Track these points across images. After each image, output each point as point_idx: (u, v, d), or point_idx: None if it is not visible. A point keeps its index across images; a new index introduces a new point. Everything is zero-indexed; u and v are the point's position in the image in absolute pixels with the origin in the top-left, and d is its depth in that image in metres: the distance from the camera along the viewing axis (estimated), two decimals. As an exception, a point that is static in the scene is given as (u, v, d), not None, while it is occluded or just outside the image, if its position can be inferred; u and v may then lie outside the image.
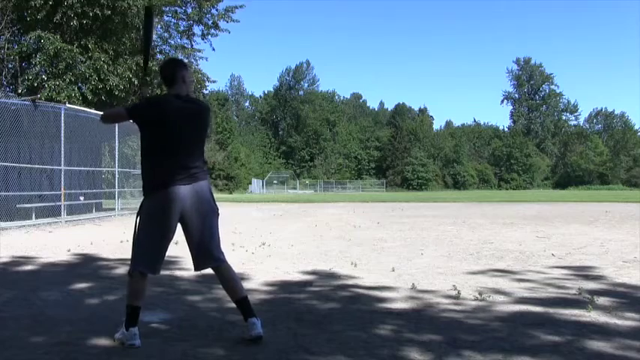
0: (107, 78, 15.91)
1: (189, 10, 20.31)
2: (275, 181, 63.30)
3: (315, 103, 76.97)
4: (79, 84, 16.18)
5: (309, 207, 19.80)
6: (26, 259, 6.10)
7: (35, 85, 15.25)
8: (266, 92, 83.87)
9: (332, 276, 4.96)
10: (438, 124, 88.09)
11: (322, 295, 4.10)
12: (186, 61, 21.01)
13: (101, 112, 13.79)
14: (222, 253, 3.01)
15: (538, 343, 2.82)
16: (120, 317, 3.37)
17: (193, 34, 20.92)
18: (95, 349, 2.78)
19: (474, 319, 3.32)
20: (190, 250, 3.00)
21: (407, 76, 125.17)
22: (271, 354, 2.66)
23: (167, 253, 6.74)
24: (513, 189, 69.21)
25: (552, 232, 9.08)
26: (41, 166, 12.43)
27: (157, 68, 18.50)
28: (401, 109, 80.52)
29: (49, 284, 4.57)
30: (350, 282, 4.64)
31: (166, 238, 2.92)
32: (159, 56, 20.24)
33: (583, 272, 5.05)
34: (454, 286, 4.26)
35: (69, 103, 13.65)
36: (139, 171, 16.31)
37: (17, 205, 11.20)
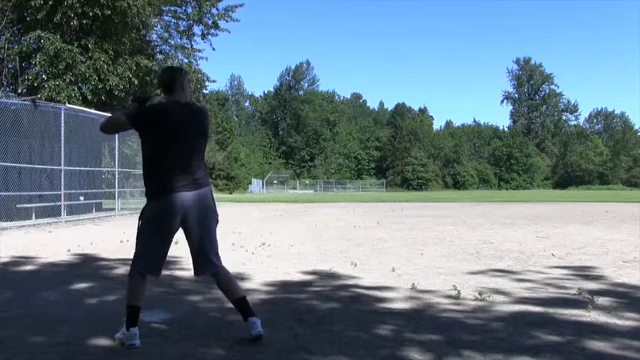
0: (107, 78, 15.91)
1: (190, 10, 20.31)
2: (275, 181, 63.32)
3: (315, 103, 76.98)
4: (79, 84, 16.18)
5: (309, 207, 19.81)
6: (26, 259, 6.09)
7: (35, 85, 15.25)
8: (266, 92, 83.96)
9: (332, 276, 4.96)
10: (438, 124, 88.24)
11: (322, 295, 4.10)
12: (186, 61, 21.04)
13: (101, 113, 13.77)
14: (220, 258, 3.01)
15: (538, 343, 2.82)
16: (120, 317, 3.37)
17: (193, 34, 20.92)
18: (95, 349, 2.78)
19: (474, 319, 3.32)
20: (191, 255, 3.01)
21: (407, 76, 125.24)
22: (271, 354, 2.66)
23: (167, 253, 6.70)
24: (513, 189, 69.23)
25: (552, 232, 9.08)
26: (41, 166, 12.42)
27: (156, 68, 18.61)
28: (401, 109, 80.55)
29: (49, 284, 4.57)
30: (350, 282, 4.64)
31: (168, 242, 2.96)
32: (159, 56, 20.25)
33: (583, 272, 5.05)
34: (454, 286, 4.26)
35: (69, 103, 13.65)
36: (139, 171, 16.27)
37: (17, 205, 11.19)
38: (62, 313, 3.53)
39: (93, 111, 13.76)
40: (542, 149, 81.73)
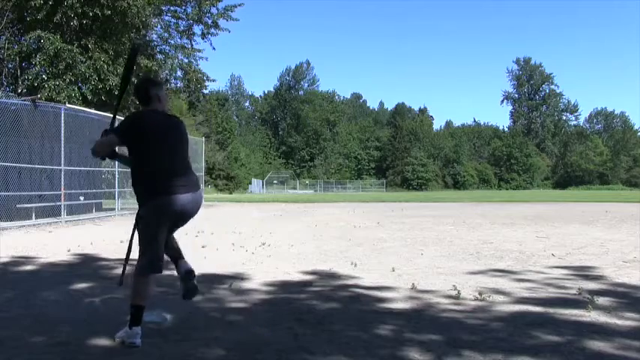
0: (107, 78, 15.91)
1: (189, 10, 20.32)
2: (275, 181, 63.32)
3: (315, 103, 76.98)
4: (79, 84, 16.18)
5: (309, 207, 19.81)
6: (26, 259, 6.09)
7: (35, 85, 15.25)
8: (266, 92, 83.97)
9: (332, 276, 4.96)
10: (438, 124, 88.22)
11: (322, 295, 4.10)
12: (186, 61, 21.04)
13: (101, 113, 13.72)
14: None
15: (538, 343, 2.82)
16: (120, 317, 3.37)
17: (193, 34, 20.93)
18: (95, 349, 2.78)
19: (474, 319, 3.32)
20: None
21: (407, 76, 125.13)
22: (271, 354, 2.66)
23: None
24: (513, 189, 69.22)
25: (552, 232, 9.08)
26: (41, 166, 12.42)
27: (156, 68, 18.57)
28: (401, 109, 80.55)
29: (49, 284, 4.57)
30: (350, 282, 4.64)
31: (165, 240, 3.13)
32: (159, 56, 20.26)
33: (583, 272, 5.05)
34: (454, 286, 4.26)
35: (69, 103, 13.65)
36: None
37: (17, 205, 11.19)
38: (62, 313, 3.53)
39: (93, 111, 13.76)
40: (542, 149, 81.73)
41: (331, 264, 5.63)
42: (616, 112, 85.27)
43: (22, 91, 15.53)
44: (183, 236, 9.15)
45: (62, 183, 11.78)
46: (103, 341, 2.88)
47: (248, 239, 8.02)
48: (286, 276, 4.96)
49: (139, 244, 3.03)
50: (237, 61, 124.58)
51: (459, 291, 4.07)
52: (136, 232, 3.09)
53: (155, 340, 2.91)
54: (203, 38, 21.06)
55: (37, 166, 12.23)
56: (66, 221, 11.57)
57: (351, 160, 75.67)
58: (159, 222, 2.97)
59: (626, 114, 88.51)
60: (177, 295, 4.13)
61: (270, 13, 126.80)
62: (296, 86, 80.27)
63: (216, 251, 6.71)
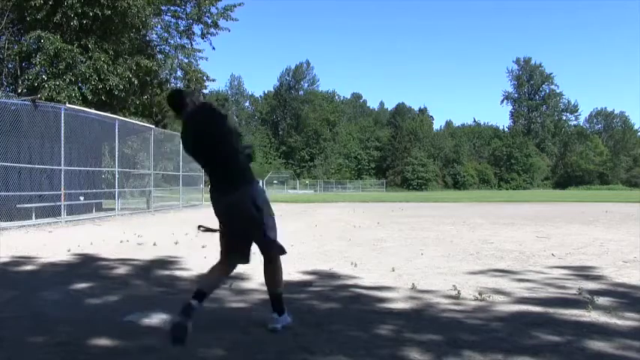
0: (107, 78, 15.92)
1: (189, 10, 20.34)
2: (275, 181, 63.27)
3: (315, 103, 76.94)
4: (79, 84, 16.19)
5: (309, 207, 19.80)
6: (26, 259, 6.09)
7: (35, 85, 15.26)
8: (266, 92, 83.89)
9: (332, 276, 4.96)
10: (438, 124, 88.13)
11: (322, 295, 4.10)
12: (186, 60, 21.05)
13: (101, 113, 13.73)
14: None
15: (538, 343, 2.82)
16: (120, 317, 3.37)
17: (193, 34, 20.96)
18: (95, 349, 2.78)
19: (474, 319, 3.32)
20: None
21: (407, 76, 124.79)
22: (271, 354, 2.66)
23: (167, 253, 6.73)
24: (513, 189, 69.19)
25: (552, 232, 9.08)
26: (41, 166, 12.42)
27: (156, 68, 18.57)
28: (401, 109, 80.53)
29: (49, 284, 4.57)
30: (350, 282, 4.64)
31: (238, 235, 3.20)
32: (159, 56, 20.26)
33: (583, 272, 5.05)
34: (454, 286, 4.26)
35: (69, 103, 13.65)
36: (138, 171, 16.19)
37: (17, 205, 11.19)
38: (62, 313, 3.53)
39: (93, 111, 13.76)
40: (542, 149, 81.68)
41: (331, 264, 5.63)
42: (616, 112, 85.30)
43: (22, 91, 15.54)
44: (183, 236, 9.16)
45: (62, 183, 11.78)
46: (103, 341, 2.88)
47: (248, 239, 8.00)
48: (286, 276, 4.93)
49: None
50: (237, 61, 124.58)
51: (459, 291, 4.07)
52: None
53: (155, 340, 2.91)
54: (203, 38, 21.11)
55: (37, 166, 12.23)
56: (66, 221, 11.57)
57: (351, 160, 75.64)
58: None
59: (626, 114, 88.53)
60: (177, 295, 4.13)
61: (270, 13, 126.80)
62: (296, 86, 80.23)
63: (216, 251, 6.69)
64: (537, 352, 2.65)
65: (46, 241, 8.04)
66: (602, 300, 3.76)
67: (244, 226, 3.03)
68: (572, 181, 72.68)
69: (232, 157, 2.98)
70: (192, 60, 21.25)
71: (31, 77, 15.31)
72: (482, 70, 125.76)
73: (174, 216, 14.61)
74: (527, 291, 4.19)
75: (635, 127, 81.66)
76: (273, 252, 3.13)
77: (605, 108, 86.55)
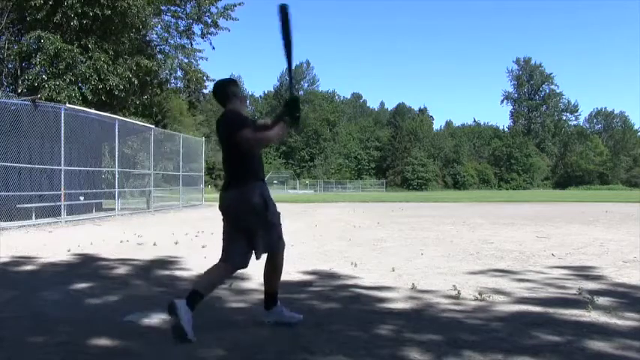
0: (107, 78, 15.92)
1: (189, 9, 20.33)
2: (275, 181, 63.25)
3: (315, 103, 76.94)
4: (79, 84, 16.19)
5: (309, 207, 19.80)
6: (26, 259, 6.10)
7: (35, 85, 15.26)
8: (266, 92, 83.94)
9: (332, 276, 4.96)
10: (438, 124, 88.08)
11: (322, 295, 4.10)
12: (186, 60, 21.05)
13: (101, 113, 13.74)
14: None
15: (538, 343, 2.81)
16: (119, 317, 3.38)
17: (193, 34, 20.95)
18: (95, 349, 2.78)
19: (474, 319, 3.32)
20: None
21: (407, 76, 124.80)
22: (271, 354, 2.66)
23: (167, 253, 6.72)
24: (513, 189, 69.18)
25: (552, 232, 9.08)
26: (41, 166, 12.42)
27: (156, 68, 18.57)
28: (401, 109, 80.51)
29: (49, 284, 4.57)
30: (350, 282, 4.64)
31: (238, 237, 3.20)
32: (159, 56, 20.26)
33: (583, 272, 5.05)
34: (454, 286, 4.26)
35: (69, 103, 13.65)
36: (139, 171, 16.20)
37: (17, 205, 11.19)
38: (62, 313, 3.53)
39: (93, 111, 13.77)
40: (542, 149, 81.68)
41: (331, 264, 5.63)
42: (616, 112, 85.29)
43: (22, 91, 15.54)
44: (183, 236, 9.16)
45: (62, 183, 11.78)
46: (103, 341, 2.88)
47: (248, 239, 8.00)
48: (286, 276, 4.94)
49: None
50: (237, 61, 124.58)
51: (459, 291, 4.07)
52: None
53: (155, 340, 2.91)
54: (203, 38, 21.10)
55: (37, 166, 12.23)
56: (66, 221, 11.57)
57: (351, 160, 75.63)
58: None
59: (626, 114, 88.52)
60: (177, 295, 4.13)
61: (270, 13, 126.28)
62: (296, 86, 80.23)
63: (216, 251, 6.69)
64: (537, 352, 2.65)
65: (46, 241, 8.05)
66: (602, 300, 3.76)
67: (240, 225, 3.09)
68: (572, 181, 72.67)
69: (237, 160, 3.09)
70: (193, 60, 21.26)
71: (31, 77, 15.31)
72: (483, 70, 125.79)
73: (174, 216, 14.61)
74: (527, 291, 4.19)
75: (635, 127, 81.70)
76: (273, 251, 3.14)
77: (605, 108, 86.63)
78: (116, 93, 16.39)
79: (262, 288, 4.39)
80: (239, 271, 5.12)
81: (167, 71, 20.63)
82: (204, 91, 23.88)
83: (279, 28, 3.01)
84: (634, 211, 15.32)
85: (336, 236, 8.59)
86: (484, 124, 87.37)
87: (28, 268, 5.58)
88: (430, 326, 3.15)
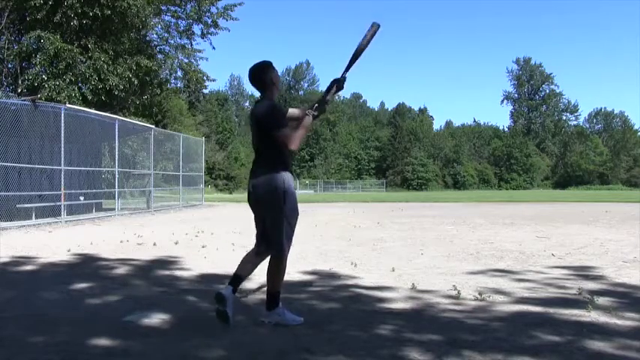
0: (107, 78, 15.92)
1: (189, 9, 20.33)
2: (275, 181, 63.13)
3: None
4: (79, 84, 16.19)
5: (309, 207, 19.79)
6: (26, 259, 6.10)
7: (35, 85, 15.26)
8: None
9: (332, 276, 4.96)
10: (438, 124, 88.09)
11: (322, 295, 4.10)
12: (186, 61, 21.04)
13: (101, 113, 13.75)
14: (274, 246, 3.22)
15: (538, 343, 2.81)
16: (119, 317, 3.38)
17: (193, 34, 20.95)
18: (95, 349, 2.77)
19: (474, 319, 3.32)
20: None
21: (407, 76, 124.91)
22: (271, 354, 2.66)
23: (167, 253, 6.70)
24: (513, 189, 69.17)
25: (552, 232, 9.08)
26: (41, 166, 12.42)
27: (156, 68, 18.56)
28: (401, 109, 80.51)
29: (49, 284, 4.57)
30: (350, 282, 4.63)
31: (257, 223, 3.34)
32: (159, 56, 20.26)
33: (583, 272, 5.05)
34: (454, 286, 4.26)
35: (69, 103, 13.65)
36: (139, 171, 16.22)
37: (17, 205, 11.19)
38: (62, 313, 3.53)
39: (93, 111, 13.77)
40: (542, 149, 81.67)
41: (331, 264, 5.63)
42: (616, 112, 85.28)
43: (22, 91, 15.54)
44: (183, 236, 9.15)
45: (62, 183, 11.78)
46: (103, 341, 2.88)
47: (248, 239, 7.99)
48: (286, 276, 4.92)
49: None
50: (237, 61, 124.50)
51: (459, 291, 4.07)
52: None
53: (155, 340, 2.91)
54: (203, 38, 21.09)
55: (37, 166, 12.24)
56: (66, 221, 11.57)
57: (351, 160, 75.62)
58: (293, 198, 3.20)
59: (626, 114, 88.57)
60: (177, 295, 4.13)
61: (270, 13, 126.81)
62: (296, 86, 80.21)
63: (216, 251, 6.71)
64: (537, 352, 2.65)
65: (46, 241, 8.05)
66: (602, 300, 3.76)
67: (260, 213, 3.23)
68: (572, 181, 72.66)
69: (269, 149, 3.15)
70: (193, 60, 21.26)
71: (31, 77, 15.31)
72: (482, 70, 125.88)
73: (174, 216, 14.61)
74: (527, 291, 4.19)
75: (635, 127, 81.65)
76: (277, 252, 3.21)
77: (605, 108, 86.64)
78: (116, 93, 16.39)
79: (263, 288, 4.41)
80: (239, 271, 5.14)
81: (167, 71, 20.64)
82: (204, 91, 23.90)
83: (363, 38, 3.48)
84: (634, 211, 15.31)
85: (336, 236, 8.59)
86: (484, 124, 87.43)
87: (28, 268, 5.58)
88: (430, 326, 3.15)
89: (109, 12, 15.43)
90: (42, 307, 3.74)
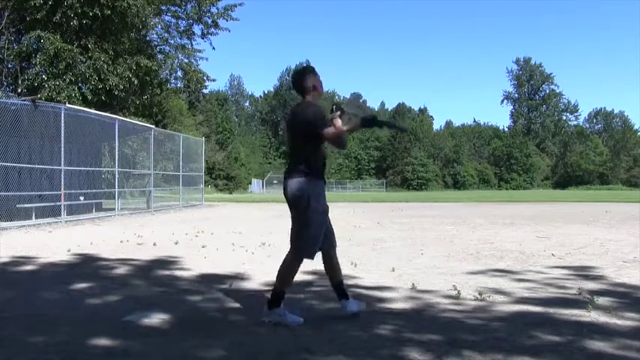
0: (107, 78, 15.92)
1: (189, 9, 20.33)
2: (275, 181, 63.18)
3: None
4: (79, 84, 16.19)
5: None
6: (26, 259, 6.09)
7: (35, 85, 15.26)
8: (266, 92, 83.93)
9: (332, 276, 4.95)
10: (438, 124, 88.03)
11: (322, 295, 4.10)
12: (186, 61, 21.05)
13: (101, 113, 13.73)
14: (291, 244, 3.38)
15: (538, 343, 2.81)
16: (119, 316, 3.38)
17: (193, 34, 20.96)
18: (95, 349, 2.77)
19: (474, 319, 3.32)
20: None
21: (407, 76, 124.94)
22: (272, 354, 2.66)
23: (167, 253, 6.70)
24: (513, 189, 69.18)
25: (552, 232, 9.08)
26: (41, 166, 12.42)
27: (156, 68, 18.56)
28: (401, 109, 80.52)
29: (49, 284, 4.57)
30: (350, 282, 4.63)
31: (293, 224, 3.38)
32: (159, 56, 20.26)
33: (583, 272, 5.05)
34: (454, 286, 4.26)
35: (69, 103, 13.65)
36: (139, 171, 16.21)
37: (17, 205, 11.19)
38: (62, 313, 3.53)
39: (93, 111, 13.76)
40: (542, 149, 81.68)
41: (331, 264, 5.62)
42: (616, 112, 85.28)
43: (22, 91, 15.54)
44: (183, 236, 9.15)
45: (62, 183, 11.78)
46: (103, 341, 2.88)
47: (248, 239, 8.01)
48: (286, 276, 4.95)
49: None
50: (237, 61, 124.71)
51: (459, 291, 4.07)
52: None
53: (155, 340, 2.91)
54: (203, 38, 21.10)
55: (37, 166, 12.23)
56: (66, 221, 11.57)
57: (351, 160, 75.61)
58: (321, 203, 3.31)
59: (626, 114, 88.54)
60: (177, 295, 4.13)
61: (270, 13, 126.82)
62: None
63: (216, 251, 6.71)
64: (537, 352, 2.65)
65: (46, 241, 8.05)
66: (602, 300, 3.76)
67: (291, 213, 3.33)
68: (572, 181, 72.67)
69: (305, 153, 3.25)
70: (193, 60, 21.26)
71: (31, 77, 15.31)
72: (483, 70, 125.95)
73: (174, 216, 14.61)
74: (527, 291, 4.19)
75: (635, 127, 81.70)
76: (296, 253, 3.35)
77: (605, 108, 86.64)
78: (116, 93, 16.39)
79: (262, 288, 4.41)
80: (239, 271, 5.14)
81: (167, 71, 20.64)
82: (204, 91, 23.89)
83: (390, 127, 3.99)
84: (634, 211, 15.31)
85: (336, 236, 8.57)
86: (484, 124, 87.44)
87: (28, 268, 5.58)
88: (430, 326, 3.15)
89: (109, 12, 15.43)
90: (42, 307, 3.74)
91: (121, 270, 5.35)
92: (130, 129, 15.94)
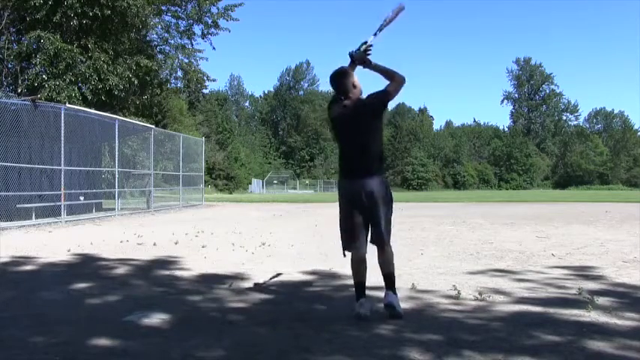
0: (107, 78, 15.92)
1: (189, 10, 20.34)
2: (275, 181, 63.29)
3: (315, 103, 76.93)
4: (79, 84, 16.20)
5: (309, 207, 19.80)
6: (26, 259, 6.09)
7: (35, 85, 15.27)
8: (266, 92, 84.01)
9: (332, 276, 4.95)
10: (438, 124, 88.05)
11: (322, 295, 4.10)
12: (186, 61, 21.05)
13: (101, 113, 13.78)
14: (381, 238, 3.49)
15: (538, 343, 2.81)
16: (119, 316, 3.38)
17: (193, 34, 20.96)
18: (95, 349, 2.77)
19: (474, 319, 3.32)
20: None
21: (407, 75, 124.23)
22: (272, 354, 2.66)
23: (167, 253, 6.71)
24: (513, 189, 69.19)
25: (552, 232, 9.08)
26: (41, 166, 12.42)
27: (156, 68, 18.57)
28: (401, 109, 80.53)
29: (49, 284, 4.57)
30: (350, 282, 4.61)
31: (352, 221, 3.51)
32: (159, 56, 20.27)
33: (583, 272, 5.05)
34: (454, 286, 4.25)
35: (69, 103, 13.66)
36: (139, 171, 16.21)
37: (17, 205, 11.19)
38: (62, 313, 3.53)
39: (93, 111, 13.77)
40: (542, 149, 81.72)
41: (331, 264, 5.62)
42: (615, 112, 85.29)
43: (22, 91, 15.55)
44: (183, 236, 9.15)
45: (62, 183, 11.78)
46: (103, 341, 2.88)
47: (248, 239, 8.01)
48: (286, 276, 4.96)
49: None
50: (237, 61, 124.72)
51: (459, 291, 4.07)
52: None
53: (155, 340, 2.91)
54: (203, 38, 21.11)
55: (37, 166, 12.23)
56: (66, 221, 11.57)
57: (351, 160, 75.60)
58: (341, 202, 3.51)
59: (626, 114, 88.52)
60: (177, 295, 4.13)
61: (270, 13, 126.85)
62: (296, 86, 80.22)
63: (216, 251, 6.71)
64: (537, 352, 2.65)
65: (46, 241, 8.05)
66: (602, 300, 3.76)
67: (369, 211, 3.38)
68: (572, 181, 72.68)
69: (379, 150, 3.41)
70: (193, 60, 21.27)
71: (31, 77, 15.33)
72: (483, 70, 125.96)
73: (174, 216, 14.61)
74: (527, 291, 4.19)
75: (635, 127, 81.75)
76: (384, 242, 3.49)
77: (605, 108, 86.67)
78: (116, 93, 16.40)
79: (262, 289, 4.41)
80: (239, 271, 5.15)
81: (167, 71, 20.66)
82: (204, 91, 23.90)
83: (390, 15, 3.84)
84: (634, 211, 15.31)
85: (336, 236, 8.55)
86: (484, 124, 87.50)
87: (28, 268, 5.58)
88: (430, 326, 3.15)
89: (109, 12, 15.44)
90: (42, 307, 3.74)
91: (121, 270, 5.35)
92: (130, 129, 15.94)
